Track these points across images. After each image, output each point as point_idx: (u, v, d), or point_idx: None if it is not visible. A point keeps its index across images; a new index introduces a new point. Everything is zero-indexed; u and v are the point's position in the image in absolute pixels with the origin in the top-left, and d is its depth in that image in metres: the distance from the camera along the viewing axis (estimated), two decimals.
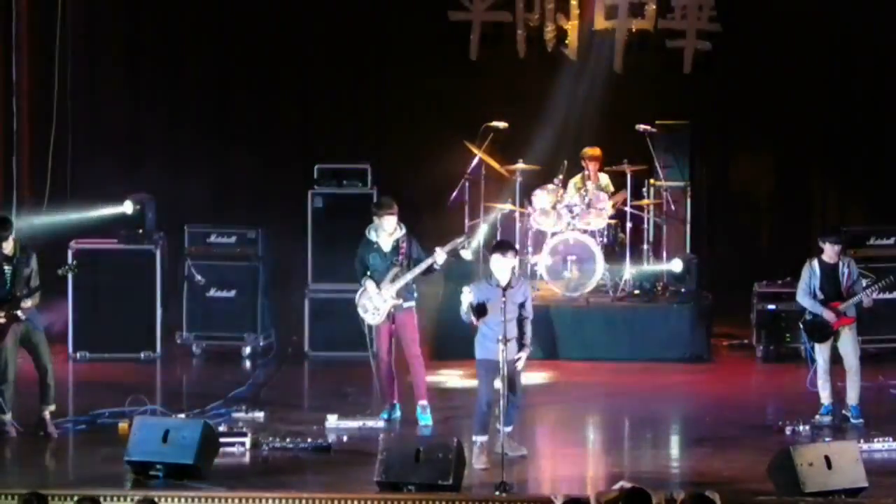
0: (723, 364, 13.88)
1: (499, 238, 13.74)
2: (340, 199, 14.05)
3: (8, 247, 11.08)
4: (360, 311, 11.53)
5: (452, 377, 12.72)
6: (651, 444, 11.30)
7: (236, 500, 9.48)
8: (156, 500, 8.77)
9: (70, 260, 13.34)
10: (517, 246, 13.94)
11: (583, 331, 13.95)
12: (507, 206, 14.42)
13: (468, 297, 10.37)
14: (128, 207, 13.89)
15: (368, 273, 11.50)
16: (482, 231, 12.99)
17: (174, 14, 15.59)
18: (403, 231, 11.56)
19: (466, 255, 13.42)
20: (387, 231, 11.50)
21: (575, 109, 15.12)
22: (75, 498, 8.82)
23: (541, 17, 15.91)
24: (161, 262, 13.91)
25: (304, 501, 9.47)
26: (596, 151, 14.57)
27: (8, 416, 11.13)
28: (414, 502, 9.45)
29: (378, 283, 11.45)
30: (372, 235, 11.58)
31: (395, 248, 11.51)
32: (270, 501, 9.47)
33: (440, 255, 11.40)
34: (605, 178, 14.61)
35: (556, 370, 13.40)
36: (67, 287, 13.49)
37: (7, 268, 11.06)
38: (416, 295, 11.61)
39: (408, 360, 11.56)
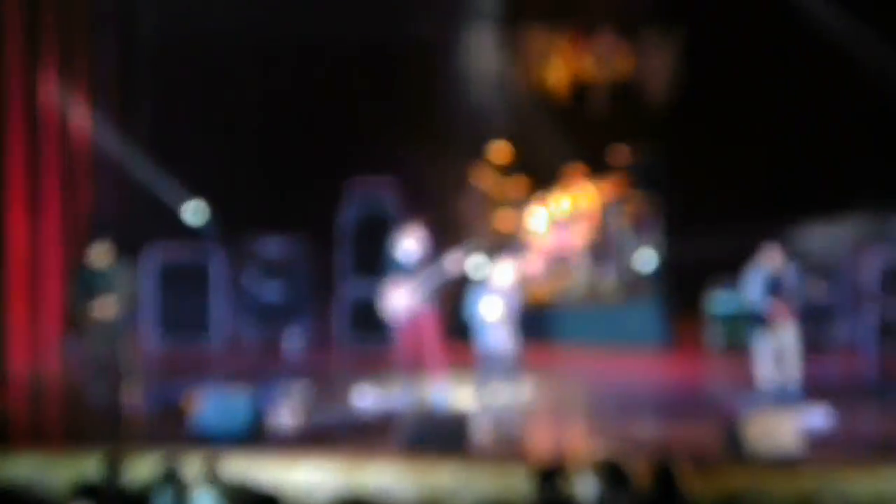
0: (685, 353, 13.93)
1: (501, 246, 14.00)
2: (372, 211, 14.16)
3: (102, 257, 11.09)
4: (385, 312, 11.53)
5: (462, 358, 12.85)
6: (622, 418, 11.25)
7: (287, 462, 9.71)
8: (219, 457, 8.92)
9: (143, 265, 13.71)
10: (514, 252, 14.26)
11: (566, 323, 14.00)
12: (505, 219, 14.72)
13: (491, 306, 10.44)
14: (188, 210, 14.21)
15: (394, 276, 11.51)
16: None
17: (231, 58, 15.73)
18: (424, 241, 11.54)
19: (473, 264, 13.44)
20: (412, 242, 11.53)
21: (559, 147, 15.18)
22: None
23: (528, 65, 15.87)
24: (218, 266, 14.15)
25: (340, 463, 9.69)
26: (578, 168, 14.66)
27: (95, 390, 11.15)
28: (432, 464, 9.64)
29: (402, 286, 11.46)
30: (396, 245, 11.59)
31: (417, 256, 11.48)
32: (313, 462, 9.70)
33: (451, 266, 11.35)
34: (587, 192, 14.64)
35: (540, 356, 13.08)
36: (142, 286, 13.73)
37: (100, 276, 11.03)
38: (436, 296, 11.49)
39: (428, 357, 11.45)
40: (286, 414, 10.93)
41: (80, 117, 14.05)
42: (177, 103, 15.75)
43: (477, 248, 12.39)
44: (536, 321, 13.79)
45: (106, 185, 14.67)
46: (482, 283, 10.93)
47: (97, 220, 14.30)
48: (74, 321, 11.48)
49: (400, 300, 11.47)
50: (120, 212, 14.76)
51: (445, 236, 13.64)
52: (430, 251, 11.61)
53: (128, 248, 13.44)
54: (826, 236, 13.99)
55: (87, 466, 9.20)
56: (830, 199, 14.50)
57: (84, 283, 11.20)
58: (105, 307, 11.04)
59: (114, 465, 8.35)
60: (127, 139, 14.65)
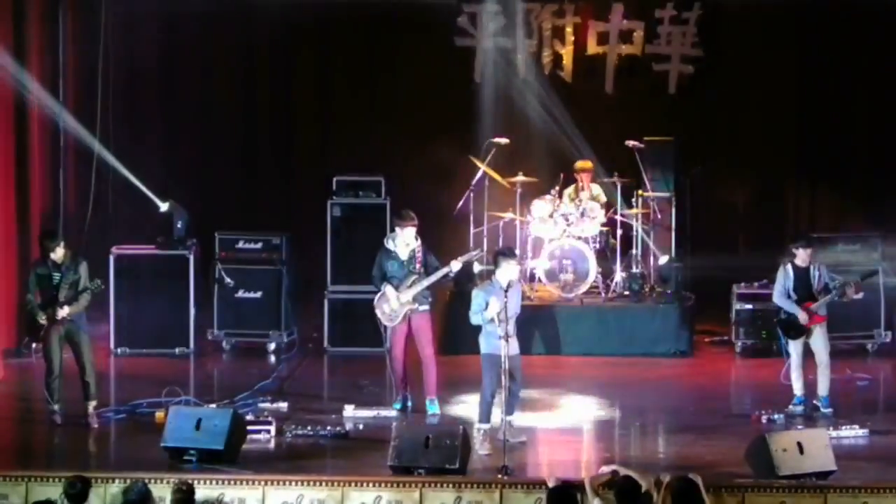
0: (704, 358, 13.80)
1: (501, 245, 13.72)
2: (357, 209, 14.01)
3: (58, 255, 11.09)
4: (378, 313, 11.49)
5: (459, 370, 12.65)
6: (639, 432, 11.25)
7: (263, 483, 9.42)
8: (191, 482, 8.76)
9: (111, 266, 13.47)
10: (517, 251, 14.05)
11: (577, 328, 13.87)
12: (508, 215, 14.45)
13: (496, 307, 10.31)
14: (165, 207, 13.93)
15: (386, 279, 11.45)
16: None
17: (206, 40, 15.57)
18: (419, 241, 11.50)
19: (477, 267, 13.26)
20: (405, 241, 11.44)
21: (570, 127, 15.11)
22: (125, 481, 8.81)
23: (539, 43, 15.92)
24: (194, 266, 13.84)
25: (324, 484, 9.41)
26: (587, 164, 14.57)
27: (56, 407, 11.15)
28: (424, 485, 9.39)
29: (396, 289, 11.41)
30: (390, 245, 11.52)
31: (412, 256, 11.45)
32: (293, 484, 9.42)
33: (456, 265, 11.36)
34: (597, 189, 14.60)
35: (553, 364, 13.35)
36: (109, 289, 13.48)
37: (56, 274, 11.07)
38: (430, 299, 11.56)
39: (421, 360, 11.50)
40: (267, 430, 10.72)
41: (36, 105, 13.83)
42: (146, 94, 15.59)
43: (479, 248, 12.19)
44: (544, 325, 13.59)
45: (67, 180, 14.48)
46: (485, 285, 10.63)
47: (55, 217, 14.09)
48: (29, 323, 11.27)
49: (395, 301, 11.35)
50: (82, 208, 14.55)
51: (442, 234, 13.43)
52: (425, 249, 11.51)
53: (95, 249, 13.26)
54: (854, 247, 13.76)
55: (44, 494, 8.98)
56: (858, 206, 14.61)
57: (38, 283, 11.11)
58: (61, 308, 10.95)
59: (77, 492, 8.14)
60: (91, 131, 14.47)
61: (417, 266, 11.44)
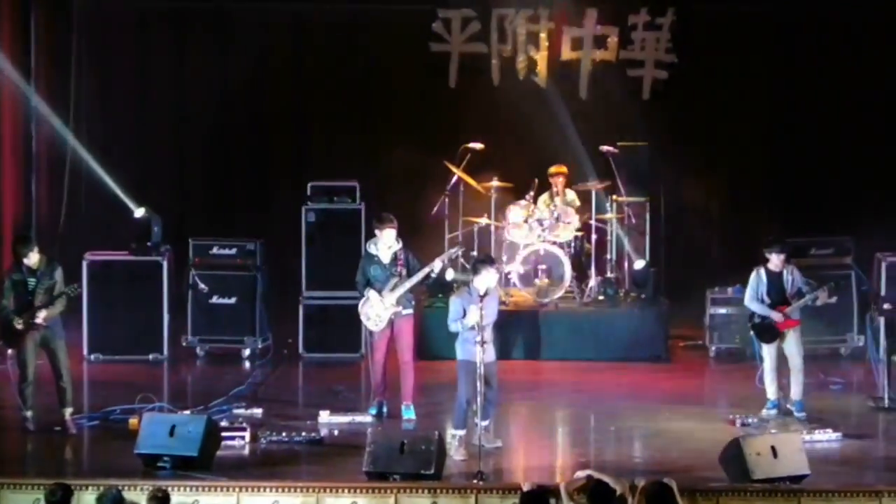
0: (679, 363, 13.83)
1: (478, 253, 13.72)
2: (332, 214, 13.98)
3: (32, 260, 11.05)
4: (363, 318, 11.46)
5: (434, 376, 12.64)
6: (614, 437, 11.24)
7: (237, 489, 9.39)
8: (165, 488, 8.73)
9: (84, 272, 13.39)
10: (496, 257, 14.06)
11: (552, 334, 13.90)
12: (483, 220, 14.48)
13: (475, 315, 10.33)
14: (139, 213, 13.90)
15: (370, 284, 11.44)
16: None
17: (180, 42, 15.56)
18: (400, 244, 11.50)
19: (451, 275, 13.16)
20: (386, 243, 11.44)
21: (544, 132, 15.16)
22: (98, 488, 8.79)
23: (513, 49, 15.97)
24: (168, 272, 13.79)
25: (299, 490, 9.39)
26: (561, 169, 14.60)
27: (29, 413, 11.10)
28: (399, 490, 9.38)
29: (379, 293, 11.39)
30: (372, 249, 11.51)
31: (394, 259, 11.45)
32: (268, 490, 9.40)
33: (437, 265, 11.39)
34: (571, 195, 14.64)
35: (528, 369, 13.38)
36: (82, 295, 13.42)
37: (31, 280, 11.04)
38: (413, 303, 11.57)
39: (400, 364, 11.48)
40: (241, 436, 10.71)
41: (7, 109, 13.78)
42: (120, 99, 15.57)
43: (458, 253, 12.18)
44: (522, 331, 13.61)
45: (39, 185, 14.41)
46: (463, 292, 10.64)
47: (27, 223, 14.03)
48: (2, 329, 11.19)
49: (379, 305, 11.35)
50: (55, 214, 14.49)
51: (417, 239, 13.44)
52: (407, 250, 11.54)
53: (68, 254, 13.20)
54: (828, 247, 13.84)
55: (17, 501, 9.01)
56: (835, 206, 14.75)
57: (14, 289, 11.06)
58: (40, 312, 10.90)
59: (58, 500, 8.17)
60: (64, 135, 14.43)
61: (399, 268, 11.43)
